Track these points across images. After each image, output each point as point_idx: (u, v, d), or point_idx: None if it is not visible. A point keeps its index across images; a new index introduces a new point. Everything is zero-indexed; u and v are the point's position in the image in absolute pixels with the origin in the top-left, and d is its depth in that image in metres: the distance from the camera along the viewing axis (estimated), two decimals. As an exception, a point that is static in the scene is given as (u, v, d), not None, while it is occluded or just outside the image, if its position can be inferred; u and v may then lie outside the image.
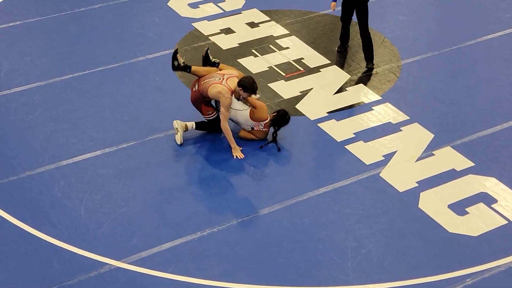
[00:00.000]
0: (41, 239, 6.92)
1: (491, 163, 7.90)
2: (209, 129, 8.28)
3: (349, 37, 9.74)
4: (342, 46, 9.79)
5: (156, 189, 7.56)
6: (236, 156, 7.95)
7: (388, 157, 7.97)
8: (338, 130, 8.37)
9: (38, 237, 6.94)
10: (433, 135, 8.28)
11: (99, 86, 9.07)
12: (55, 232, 6.97)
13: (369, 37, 9.33)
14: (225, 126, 7.86)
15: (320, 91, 9.04)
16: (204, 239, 6.95)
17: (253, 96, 8.04)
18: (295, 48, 9.87)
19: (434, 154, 8.02)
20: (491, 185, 7.61)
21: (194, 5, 10.85)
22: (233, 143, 7.97)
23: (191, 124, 8.18)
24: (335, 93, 9.01)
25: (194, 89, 8.15)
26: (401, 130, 8.38)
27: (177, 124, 8.10)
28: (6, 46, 9.82)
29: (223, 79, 7.93)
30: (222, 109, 7.86)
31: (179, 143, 8.09)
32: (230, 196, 7.49)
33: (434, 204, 7.37)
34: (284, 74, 9.36)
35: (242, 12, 10.69)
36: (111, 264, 6.66)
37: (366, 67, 9.39)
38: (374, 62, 9.42)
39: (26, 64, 9.44)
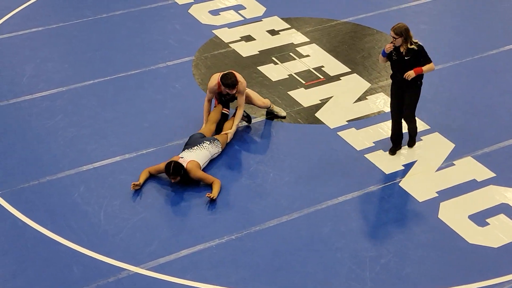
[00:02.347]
0: (60, 243, 6.98)
1: (512, 174, 7.86)
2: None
3: (402, 134, 8.04)
4: (394, 148, 8.06)
5: (175, 195, 7.60)
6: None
7: (408, 166, 7.95)
8: (357, 138, 8.37)
9: (57, 241, 7.01)
10: (454, 145, 8.24)
11: (120, 92, 9.15)
12: (75, 237, 7.03)
13: (414, 124, 7.99)
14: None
15: (340, 100, 9.04)
16: (222, 246, 6.97)
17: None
18: (316, 56, 9.88)
19: (454, 164, 7.98)
20: (512, 196, 7.57)
21: (215, 12, 10.91)
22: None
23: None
24: (355, 102, 9.00)
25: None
26: (421, 140, 8.35)
27: None
28: (29, 51, 9.93)
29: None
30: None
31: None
32: (248, 204, 7.50)
33: (454, 215, 7.33)
34: (304, 82, 9.37)
35: (262, 19, 10.73)
36: (129, 270, 6.71)
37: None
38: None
39: (48, 70, 9.55)
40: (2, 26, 10.49)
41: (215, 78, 8.20)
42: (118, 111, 8.81)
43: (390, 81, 9.36)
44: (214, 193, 7.47)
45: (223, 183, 7.74)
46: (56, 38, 10.27)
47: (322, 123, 8.65)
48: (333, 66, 9.66)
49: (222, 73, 8.18)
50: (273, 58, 9.85)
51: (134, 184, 7.58)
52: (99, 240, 7.01)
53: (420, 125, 8.55)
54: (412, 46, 7.53)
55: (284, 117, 8.70)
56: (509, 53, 10.00)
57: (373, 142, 8.31)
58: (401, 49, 7.58)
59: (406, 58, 7.56)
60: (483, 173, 7.85)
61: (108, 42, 10.18)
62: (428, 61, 7.63)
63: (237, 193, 7.64)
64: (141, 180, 7.66)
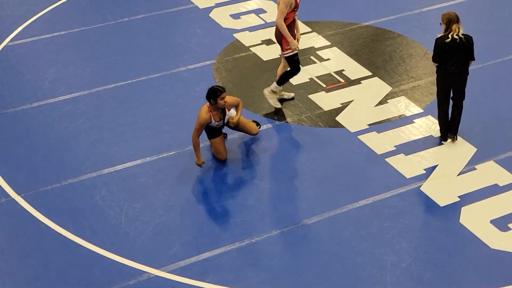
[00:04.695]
0: (82, 246, 7.10)
1: (535, 179, 7.85)
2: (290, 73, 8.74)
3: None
4: (446, 134, 8.35)
5: (196, 198, 7.70)
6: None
7: (429, 170, 7.97)
8: (378, 142, 8.41)
9: (79, 244, 7.13)
10: (476, 149, 8.25)
11: (141, 96, 9.27)
12: (96, 240, 7.15)
13: (461, 110, 8.34)
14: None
15: (361, 103, 9.09)
16: (243, 249, 7.05)
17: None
18: (336, 60, 9.93)
19: (476, 169, 7.99)
20: (535, 201, 7.56)
21: (235, 16, 11.01)
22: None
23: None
24: (376, 105, 9.04)
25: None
26: (442, 144, 8.36)
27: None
28: (51, 55, 10.10)
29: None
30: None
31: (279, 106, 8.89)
32: (269, 207, 7.57)
33: (476, 219, 7.34)
34: (324, 86, 9.43)
35: (283, 23, 10.80)
36: (150, 273, 6.80)
37: (449, 137, 8.41)
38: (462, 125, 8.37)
39: (70, 74, 9.70)
40: (25, 30, 10.67)
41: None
42: (139, 114, 8.93)
43: (411, 84, 9.43)
44: (238, 116, 8.04)
45: (242, 186, 7.82)
46: (78, 42, 10.43)
47: (343, 126, 8.70)
48: (354, 69, 9.70)
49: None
50: (294, 61, 9.91)
51: (199, 165, 7.87)
52: (120, 243, 7.12)
53: (442, 129, 8.58)
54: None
55: (293, 98, 9.02)
56: (532, 56, 10.00)
57: (394, 146, 8.34)
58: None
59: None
60: (506, 177, 7.84)
61: (129, 46, 10.32)
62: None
63: (257, 197, 7.71)
64: (201, 158, 7.89)
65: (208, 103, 7.91)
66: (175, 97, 9.25)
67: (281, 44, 8.63)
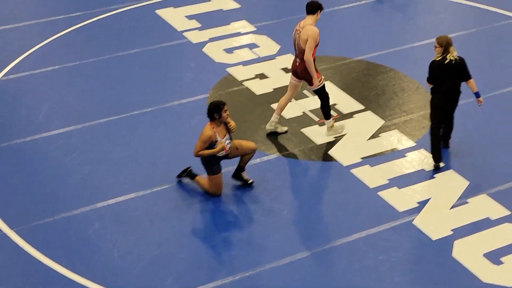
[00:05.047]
0: (75, 281, 7.09)
1: (527, 212, 7.93)
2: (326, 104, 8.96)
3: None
4: (439, 159, 8.57)
5: (189, 232, 7.73)
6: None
7: (422, 204, 8.04)
8: (371, 176, 8.48)
9: (72, 279, 7.12)
10: (468, 182, 8.33)
11: (135, 130, 9.34)
12: (89, 274, 7.14)
13: (452, 127, 8.81)
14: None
15: (353, 137, 9.18)
16: (236, 283, 7.06)
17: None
18: (329, 94, 10.03)
19: (468, 202, 8.06)
20: (527, 234, 7.62)
21: (229, 51, 11.15)
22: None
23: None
24: (368, 139, 9.14)
25: (297, 63, 8.71)
26: (435, 177, 8.45)
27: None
28: (46, 89, 10.19)
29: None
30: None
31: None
32: (263, 241, 7.60)
33: (469, 253, 7.39)
34: (317, 120, 9.53)
35: (276, 57, 10.95)
36: (143, 307, 6.80)
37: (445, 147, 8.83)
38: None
39: (65, 108, 9.78)
40: (20, 65, 10.78)
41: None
42: (133, 148, 9.00)
43: (403, 118, 9.54)
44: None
45: (237, 220, 7.87)
46: (73, 76, 10.53)
47: (336, 160, 8.78)
48: (347, 103, 9.82)
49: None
50: (287, 95, 10.03)
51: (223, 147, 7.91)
52: (114, 277, 7.12)
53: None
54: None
55: (286, 132, 9.08)
56: (523, 90, 10.15)
57: (387, 180, 8.41)
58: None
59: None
60: (498, 211, 7.91)
61: (123, 80, 10.42)
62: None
63: (252, 230, 7.75)
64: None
65: (209, 122, 7.94)
66: (169, 131, 9.33)
67: (310, 79, 8.78)
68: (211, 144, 7.91)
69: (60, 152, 8.92)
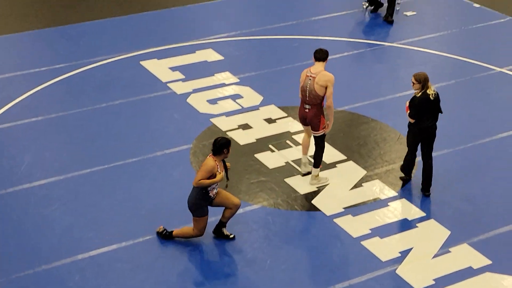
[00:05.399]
0: (54, 334, 7.03)
1: (509, 261, 7.98)
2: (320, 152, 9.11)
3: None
4: (409, 173, 9.31)
5: (172, 284, 7.69)
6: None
7: (404, 253, 8.08)
8: (354, 225, 8.53)
9: (52, 332, 7.06)
10: (449, 232, 8.40)
11: (117, 181, 9.36)
12: (69, 327, 7.08)
13: (432, 165, 9.07)
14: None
15: (336, 187, 9.25)
16: (218, 336, 7.01)
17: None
18: (312, 144, 10.14)
19: (450, 251, 8.12)
20: (509, 283, 7.66)
21: (213, 102, 11.27)
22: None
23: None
24: (351, 189, 9.21)
25: (306, 110, 8.89)
26: (417, 227, 8.52)
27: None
28: (28, 141, 10.22)
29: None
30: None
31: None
32: (245, 292, 7.59)
33: (452, 303, 7.42)
34: (300, 170, 9.60)
35: (259, 108, 11.08)
36: None
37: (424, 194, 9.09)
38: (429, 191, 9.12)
39: (47, 159, 9.80)
40: (3, 116, 10.82)
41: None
42: (115, 199, 9.01)
43: (385, 168, 9.65)
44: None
45: (220, 271, 7.85)
46: (55, 127, 10.58)
47: (319, 210, 8.83)
48: (330, 153, 9.91)
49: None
50: (270, 146, 10.13)
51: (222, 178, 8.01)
52: (94, 330, 7.06)
53: (416, 212, 8.75)
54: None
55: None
56: (502, 141, 10.29)
57: (370, 229, 8.46)
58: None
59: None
60: (479, 260, 7.97)
61: (107, 131, 10.48)
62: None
63: (233, 282, 7.73)
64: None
65: (211, 155, 8.00)
66: (151, 182, 9.36)
67: (316, 125, 9.00)
68: (211, 176, 7.96)
69: (42, 204, 8.90)
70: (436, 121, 8.84)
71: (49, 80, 11.81)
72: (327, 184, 9.29)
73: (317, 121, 8.99)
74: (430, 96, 8.67)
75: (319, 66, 8.91)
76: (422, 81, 8.66)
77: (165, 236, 8.28)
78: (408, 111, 8.82)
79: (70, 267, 7.89)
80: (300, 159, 9.57)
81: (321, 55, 8.93)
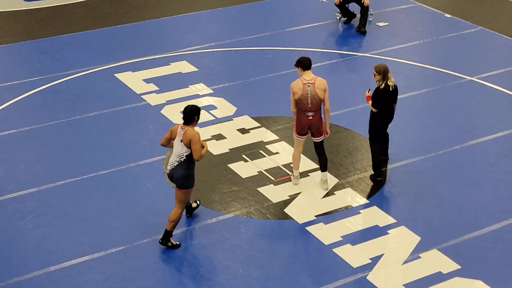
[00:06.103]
0: None
1: (478, 266, 8.10)
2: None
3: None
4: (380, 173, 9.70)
5: (144, 294, 7.74)
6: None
7: (375, 260, 8.18)
8: (326, 233, 8.62)
9: None
10: (419, 238, 8.52)
11: (91, 192, 9.39)
12: (41, 338, 7.09)
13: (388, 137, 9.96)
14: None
15: (308, 195, 9.35)
16: None
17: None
18: (285, 153, 10.27)
19: (420, 257, 8.23)
20: None
21: (186, 113, 11.32)
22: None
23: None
24: (323, 197, 9.32)
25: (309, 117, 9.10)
26: (388, 233, 8.63)
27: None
28: (1, 154, 10.22)
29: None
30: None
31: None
32: (217, 301, 7.65)
33: (421, 307, 7.52)
34: (273, 179, 9.70)
35: (233, 119, 11.17)
36: None
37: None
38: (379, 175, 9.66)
39: (20, 172, 9.81)
40: (-24, 129, 10.83)
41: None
42: (89, 210, 9.03)
43: (357, 176, 9.76)
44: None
45: (192, 280, 7.90)
46: (29, 140, 10.60)
47: (291, 218, 8.92)
48: (302, 162, 9.98)
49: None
50: (243, 155, 10.21)
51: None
52: None
53: (387, 219, 8.87)
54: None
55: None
56: (471, 148, 10.46)
57: (341, 237, 8.56)
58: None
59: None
60: (449, 265, 8.09)
61: (80, 143, 10.51)
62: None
63: (205, 290, 7.80)
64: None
65: (189, 126, 8.21)
66: (125, 193, 9.40)
67: (319, 130, 9.25)
68: None
69: (14, 216, 8.91)
70: (394, 111, 9.51)
71: (23, 93, 11.83)
72: (300, 193, 9.39)
73: (321, 125, 9.23)
74: (391, 87, 9.23)
75: (309, 73, 9.08)
76: (382, 72, 9.20)
77: (169, 242, 8.33)
78: (370, 101, 9.38)
79: (43, 278, 7.91)
80: (277, 167, 9.70)
81: (309, 63, 9.09)
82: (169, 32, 14.20)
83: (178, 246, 8.38)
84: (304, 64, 9.08)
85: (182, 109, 8.34)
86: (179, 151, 8.20)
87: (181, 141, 8.18)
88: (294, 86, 9.07)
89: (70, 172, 9.78)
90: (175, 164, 8.19)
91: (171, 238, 8.34)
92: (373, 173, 9.61)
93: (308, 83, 9.01)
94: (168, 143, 8.46)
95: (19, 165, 9.96)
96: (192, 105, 8.33)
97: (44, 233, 8.61)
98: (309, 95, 9.02)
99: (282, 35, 13.97)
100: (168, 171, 8.30)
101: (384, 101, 9.29)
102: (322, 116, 9.24)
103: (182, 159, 8.16)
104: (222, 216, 8.96)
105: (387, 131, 9.79)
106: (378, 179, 9.55)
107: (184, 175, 8.16)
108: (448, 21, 14.75)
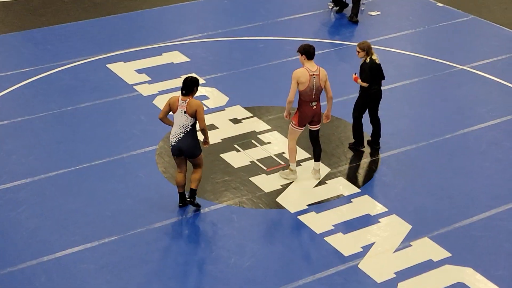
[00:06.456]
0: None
1: (468, 254, 8.19)
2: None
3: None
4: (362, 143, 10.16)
5: (137, 284, 7.78)
6: None
7: (367, 248, 8.25)
8: (317, 222, 8.69)
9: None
10: (410, 226, 8.59)
11: (83, 183, 9.43)
12: (34, 328, 7.14)
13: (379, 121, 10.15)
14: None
15: (300, 184, 9.40)
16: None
17: None
18: (277, 143, 10.32)
19: (411, 245, 8.31)
20: (467, 275, 7.87)
21: (179, 103, 11.35)
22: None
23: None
24: (315, 186, 9.37)
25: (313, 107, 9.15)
26: (379, 222, 8.70)
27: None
28: (-7, 144, 10.25)
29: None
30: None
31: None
32: (209, 290, 7.72)
33: (412, 295, 7.61)
34: (265, 168, 9.75)
35: (225, 109, 11.20)
36: None
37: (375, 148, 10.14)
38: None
39: (13, 162, 9.84)
40: (-32, 120, 10.84)
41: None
42: (81, 201, 9.07)
43: (349, 165, 9.82)
44: (207, 141, 8.69)
45: (185, 269, 7.96)
46: (21, 131, 10.61)
47: (283, 207, 8.98)
48: (294, 152, 10.07)
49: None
50: (236, 145, 10.26)
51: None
52: (59, 330, 7.12)
53: (378, 208, 8.94)
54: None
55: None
56: (462, 137, 10.53)
57: (333, 225, 8.63)
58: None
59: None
60: (439, 253, 8.17)
61: (73, 133, 10.53)
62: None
63: (199, 280, 7.84)
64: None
65: (191, 97, 8.43)
66: (117, 183, 9.44)
67: (320, 118, 9.36)
68: None
69: (7, 207, 8.94)
70: (381, 85, 9.82)
71: (15, 84, 11.82)
72: (292, 182, 9.44)
73: (321, 113, 9.31)
74: (376, 60, 9.61)
75: (312, 63, 9.08)
76: (366, 49, 9.58)
77: (195, 200, 8.71)
78: (359, 79, 9.70)
79: (36, 268, 7.95)
80: (269, 156, 9.76)
81: (314, 52, 9.04)
82: (161, 22, 14.20)
83: (200, 206, 8.77)
84: (310, 52, 9.00)
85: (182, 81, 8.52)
86: (183, 122, 8.41)
87: (185, 112, 8.38)
88: (301, 76, 8.93)
89: (63, 163, 9.81)
90: (181, 136, 8.42)
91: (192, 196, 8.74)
92: (353, 141, 10.10)
93: (314, 74, 8.98)
94: (166, 116, 8.63)
95: (11, 156, 9.98)
96: (192, 76, 8.55)
97: (37, 224, 8.65)
98: (315, 86, 9.02)
99: (274, 25, 14.00)
100: (174, 143, 8.48)
101: (372, 75, 9.60)
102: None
103: (188, 129, 8.42)
104: (214, 205, 9.02)
105: (379, 116, 9.98)
106: (360, 149, 10.04)
107: (193, 144, 8.50)
108: (440, 10, 14.80)
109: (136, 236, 8.45)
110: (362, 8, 14.46)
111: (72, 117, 10.95)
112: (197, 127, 8.59)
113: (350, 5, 14.32)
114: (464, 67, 12.47)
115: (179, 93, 8.64)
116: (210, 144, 9.12)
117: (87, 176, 9.57)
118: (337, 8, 14.59)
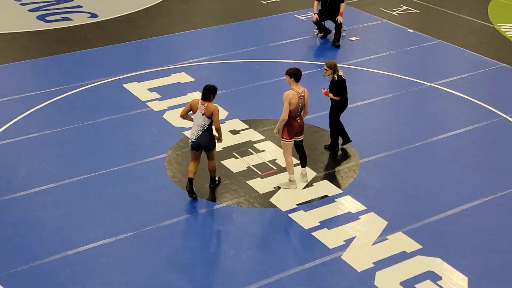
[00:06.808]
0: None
1: (437, 246, 8.16)
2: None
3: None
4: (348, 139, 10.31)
5: (150, 275, 7.75)
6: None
7: (348, 241, 8.23)
8: (306, 219, 8.66)
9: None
10: (386, 222, 8.57)
11: (101, 187, 9.39)
12: (59, 313, 7.09)
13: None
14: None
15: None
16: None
17: None
18: (270, 151, 10.30)
19: (387, 239, 8.28)
20: (436, 264, 7.84)
21: (185, 117, 11.33)
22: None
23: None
24: (303, 188, 9.35)
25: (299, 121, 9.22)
26: (359, 219, 8.68)
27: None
28: (25, 154, 10.20)
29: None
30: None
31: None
32: (212, 283, 7.65)
33: (388, 282, 7.57)
34: (260, 173, 9.73)
35: (225, 121, 11.18)
36: None
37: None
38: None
39: (41, 170, 9.80)
40: (2, 134, 10.80)
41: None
42: (100, 202, 9.04)
43: (332, 170, 9.80)
44: (221, 138, 8.95)
45: (186, 266, 7.91)
46: (48, 142, 10.58)
47: (276, 206, 8.95)
48: (282, 159, 10.01)
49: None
50: (234, 153, 10.24)
51: None
52: (81, 315, 7.08)
53: (358, 207, 8.92)
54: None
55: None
56: (431, 144, 10.51)
57: (319, 222, 8.60)
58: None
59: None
60: (412, 245, 8.14)
61: (93, 144, 10.50)
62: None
63: (204, 269, 7.81)
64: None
65: (209, 102, 8.72)
66: (131, 188, 9.40)
67: (302, 131, 9.38)
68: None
69: (36, 208, 8.91)
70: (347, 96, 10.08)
71: (43, 102, 11.81)
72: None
73: (304, 126, 9.37)
74: (342, 76, 9.81)
75: (299, 85, 9.06)
76: (333, 67, 9.78)
77: (215, 182, 9.23)
78: (330, 94, 9.89)
79: (61, 262, 7.92)
80: (263, 162, 9.72)
81: (301, 75, 9.03)
82: (169, 48, 14.21)
83: (219, 180, 9.32)
84: (297, 76, 8.99)
85: (202, 87, 8.82)
86: (201, 122, 8.79)
87: (203, 114, 8.73)
88: (292, 97, 8.91)
89: (84, 170, 9.78)
90: (199, 133, 8.81)
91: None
92: (329, 144, 10.27)
93: (300, 95, 9.00)
94: (186, 114, 8.98)
95: (40, 164, 9.95)
96: (210, 85, 8.83)
97: (62, 223, 8.62)
98: (301, 105, 9.06)
99: (267, 49, 14.01)
100: (194, 140, 8.85)
101: (341, 89, 9.81)
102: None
103: (205, 128, 8.79)
104: (216, 205, 8.99)
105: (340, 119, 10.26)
106: (346, 143, 10.21)
107: (209, 140, 8.87)
108: (410, 35, 14.82)
109: (149, 232, 8.42)
110: (343, 34, 14.48)
111: (92, 130, 10.93)
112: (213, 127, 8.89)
113: (333, 31, 14.35)
114: (432, 84, 12.48)
115: (198, 96, 8.81)
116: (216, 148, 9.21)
117: (105, 181, 9.54)
118: (322, 34, 14.61)
